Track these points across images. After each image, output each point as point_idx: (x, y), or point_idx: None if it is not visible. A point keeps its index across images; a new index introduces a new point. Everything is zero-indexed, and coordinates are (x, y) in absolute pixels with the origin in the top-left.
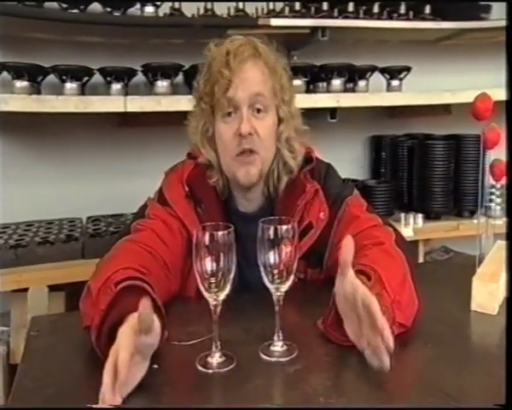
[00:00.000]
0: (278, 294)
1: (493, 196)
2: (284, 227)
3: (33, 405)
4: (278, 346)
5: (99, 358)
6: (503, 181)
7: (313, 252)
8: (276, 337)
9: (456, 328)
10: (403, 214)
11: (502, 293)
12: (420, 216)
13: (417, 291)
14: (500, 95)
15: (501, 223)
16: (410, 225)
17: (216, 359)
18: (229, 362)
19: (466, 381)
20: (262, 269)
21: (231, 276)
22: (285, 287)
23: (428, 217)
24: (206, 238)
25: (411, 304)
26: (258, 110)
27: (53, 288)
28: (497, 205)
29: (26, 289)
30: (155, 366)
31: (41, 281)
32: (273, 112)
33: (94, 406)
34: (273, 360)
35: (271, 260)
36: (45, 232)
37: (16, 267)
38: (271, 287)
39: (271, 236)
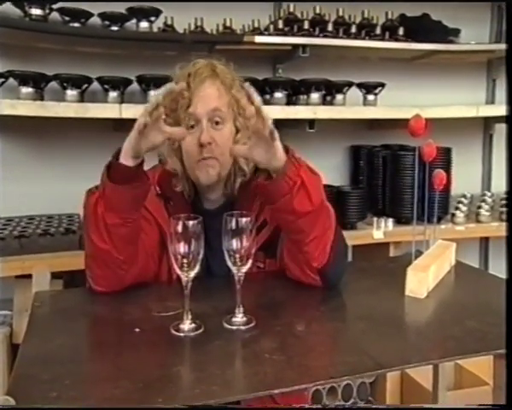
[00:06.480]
0: (239, 274)
1: (460, 205)
2: (244, 219)
3: (40, 357)
4: (239, 317)
5: (91, 320)
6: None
7: (271, 244)
8: (237, 310)
9: (390, 309)
10: (375, 218)
11: (431, 281)
12: (390, 220)
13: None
14: (465, 112)
15: (463, 229)
16: (381, 229)
17: (187, 325)
18: (197, 328)
19: (386, 345)
20: (226, 254)
21: (200, 257)
22: (245, 268)
23: (399, 222)
24: (180, 226)
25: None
26: (217, 122)
27: (52, 275)
28: (461, 212)
29: (28, 276)
30: (137, 329)
31: (42, 268)
32: (230, 123)
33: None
34: (234, 328)
35: (234, 246)
36: (46, 225)
37: (20, 256)
38: (234, 268)
39: (233, 226)
